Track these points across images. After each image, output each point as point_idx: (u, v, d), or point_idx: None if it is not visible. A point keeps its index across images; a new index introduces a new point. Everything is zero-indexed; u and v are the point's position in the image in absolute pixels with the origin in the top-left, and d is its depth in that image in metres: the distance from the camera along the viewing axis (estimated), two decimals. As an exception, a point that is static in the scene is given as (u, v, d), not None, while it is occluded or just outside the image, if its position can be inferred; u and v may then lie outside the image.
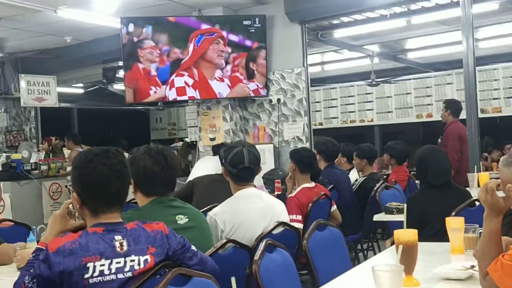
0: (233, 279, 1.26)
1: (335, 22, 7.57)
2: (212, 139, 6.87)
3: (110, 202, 2.03)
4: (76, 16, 6.91)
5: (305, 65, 6.79)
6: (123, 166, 2.05)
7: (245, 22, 6.70)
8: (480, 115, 6.49)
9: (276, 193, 5.14)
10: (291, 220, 3.62)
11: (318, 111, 11.17)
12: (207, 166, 4.92)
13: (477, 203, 3.47)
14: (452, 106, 6.53)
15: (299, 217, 3.86)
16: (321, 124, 11.14)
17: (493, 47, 9.29)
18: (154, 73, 6.63)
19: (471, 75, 6.08)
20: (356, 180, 5.58)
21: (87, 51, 8.54)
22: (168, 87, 6.63)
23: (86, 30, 7.68)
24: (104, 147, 2.09)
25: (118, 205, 2.06)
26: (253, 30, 6.69)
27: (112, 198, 2.04)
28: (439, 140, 6.31)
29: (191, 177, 4.94)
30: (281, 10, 6.65)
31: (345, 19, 7.33)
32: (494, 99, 9.61)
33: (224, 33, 6.62)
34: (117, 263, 1.93)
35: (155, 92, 6.68)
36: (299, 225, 3.79)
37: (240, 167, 2.97)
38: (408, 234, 2.09)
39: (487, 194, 1.92)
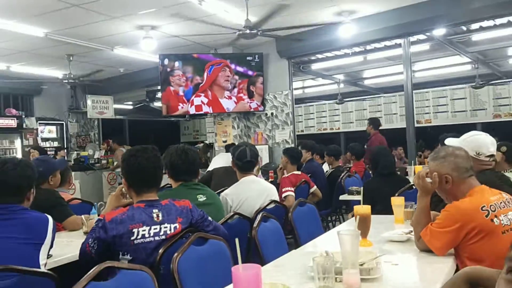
0: (237, 240, 1.24)
1: (312, 58, 7.57)
2: (224, 141, 6.85)
3: (149, 185, 2.02)
4: (127, 53, 6.89)
5: (291, 88, 6.77)
6: (157, 159, 2.05)
7: (248, 58, 6.68)
8: (416, 125, 6.47)
9: (270, 180, 5.13)
10: (287, 191, 3.63)
11: (300, 122, 11.15)
12: (222, 160, 4.89)
13: (413, 187, 3.45)
14: (373, 122, 6.71)
15: (292, 189, 3.84)
16: (302, 131, 11.11)
17: (425, 76, 9.26)
18: (181, 93, 6.63)
19: (409, 96, 6.05)
20: (327, 171, 5.56)
21: (135, 78, 8.52)
22: (189, 105, 6.62)
23: (134, 63, 7.66)
24: (144, 145, 2.09)
25: (155, 187, 2.05)
26: (253, 63, 6.67)
27: (150, 182, 2.02)
28: (365, 146, 6.30)
29: (210, 168, 4.91)
30: (274, 49, 6.64)
31: (319, 56, 7.33)
32: (426, 113, 9.59)
33: (232, 65, 6.62)
34: (154, 229, 1.92)
35: (181, 107, 6.67)
36: (292, 193, 3.77)
37: (244, 160, 2.97)
38: (364, 208, 2.07)
39: (419, 179, 1.92)
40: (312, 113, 11.20)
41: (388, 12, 5.50)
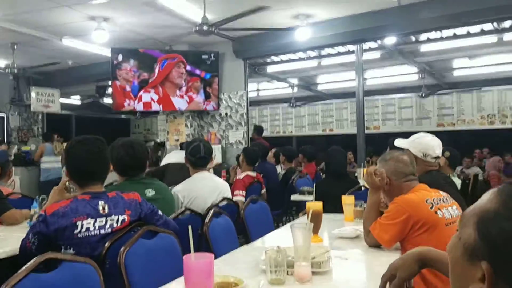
0: (189, 227, 1.21)
1: (268, 60, 7.64)
2: (177, 140, 6.74)
3: (91, 177, 1.93)
4: (77, 45, 6.62)
5: (246, 89, 6.77)
6: (100, 150, 1.94)
7: (203, 56, 6.61)
8: (366, 131, 6.67)
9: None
10: (238, 195, 3.61)
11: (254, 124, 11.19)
12: (176, 156, 4.80)
13: (362, 188, 3.56)
14: (257, 129, 7.25)
15: (243, 193, 3.83)
16: (256, 133, 11.14)
17: (375, 84, 9.58)
18: (128, 89, 6.43)
19: (360, 103, 6.23)
20: (279, 173, 5.61)
21: (85, 72, 8.19)
22: (137, 101, 6.44)
23: (84, 56, 7.36)
24: (87, 135, 1.99)
25: (99, 179, 1.95)
26: (209, 62, 6.61)
27: (92, 175, 1.93)
28: None
29: (163, 163, 4.81)
30: (230, 49, 6.62)
31: (274, 58, 7.40)
32: (375, 120, 9.91)
33: (187, 64, 6.52)
34: (100, 221, 1.84)
35: (128, 104, 6.46)
36: (243, 199, 3.76)
37: (197, 156, 2.92)
38: (316, 204, 2.10)
39: (368, 176, 1.99)
40: (266, 116, 11.27)
41: (342, 18, 5.65)
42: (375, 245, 1.93)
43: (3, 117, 8.90)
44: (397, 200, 1.89)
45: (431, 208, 1.82)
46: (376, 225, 1.90)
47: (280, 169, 5.79)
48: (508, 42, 6.24)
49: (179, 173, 3.56)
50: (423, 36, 6.31)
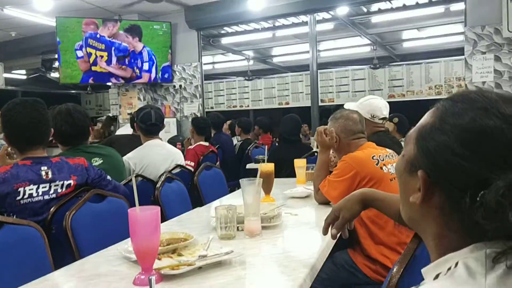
0: (133, 178, 1.18)
1: (222, 32, 7.51)
2: (130, 114, 6.55)
3: (31, 142, 1.83)
4: (19, 14, 6.22)
5: (200, 61, 6.66)
6: (38, 114, 1.84)
7: (155, 26, 6.41)
8: (320, 104, 6.76)
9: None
10: (187, 165, 3.54)
11: (210, 98, 11.04)
12: (126, 131, 4.68)
13: (315, 154, 3.63)
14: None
15: (193, 164, 3.79)
16: (212, 108, 10.98)
17: (329, 56, 9.68)
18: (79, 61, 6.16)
19: (314, 75, 6.30)
20: (235, 144, 5.61)
21: (29, 44, 7.72)
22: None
23: (28, 26, 6.94)
24: (24, 98, 1.88)
25: (40, 144, 1.85)
26: (161, 33, 6.42)
27: (32, 139, 1.83)
28: None
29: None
30: (183, 19, 6.44)
31: (228, 29, 7.28)
32: (329, 93, 10.02)
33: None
34: (43, 187, 1.77)
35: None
36: (192, 169, 3.73)
37: (148, 123, 2.85)
38: (267, 166, 2.11)
39: (318, 135, 2.02)
40: (222, 90, 11.12)
41: (295, -13, 5.62)
42: (324, 202, 1.98)
43: None
44: (345, 158, 1.93)
45: (377, 164, 1.88)
46: (325, 183, 1.95)
47: (236, 141, 5.80)
48: (455, 12, 6.42)
49: (127, 145, 3.49)
50: (374, 7, 6.40)
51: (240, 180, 1.58)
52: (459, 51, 5.43)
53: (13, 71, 9.77)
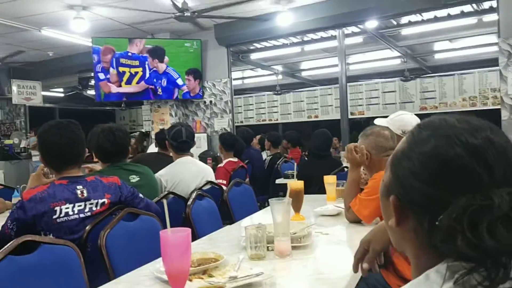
0: (164, 201, 1.20)
1: (251, 47, 7.59)
2: (163, 129, 6.68)
3: (66, 162, 1.89)
4: (57, 35, 6.50)
5: (230, 76, 6.73)
6: (73, 134, 1.90)
7: (186, 44, 6.55)
8: (350, 117, 6.71)
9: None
10: (219, 184, 3.56)
11: (240, 112, 11.13)
12: (152, 149, 4.77)
13: (345, 169, 3.58)
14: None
15: (225, 182, 3.82)
16: (241, 122, 11.10)
17: (358, 69, 9.60)
18: (115, 80, 6.34)
19: (344, 89, 6.25)
20: (265, 159, 5.62)
21: (66, 63, 8.04)
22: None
23: (65, 47, 7.24)
24: (60, 120, 1.96)
25: (75, 163, 1.91)
26: (192, 50, 6.55)
27: (67, 159, 1.89)
28: None
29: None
30: (213, 36, 6.56)
31: (258, 45, 7.36)
32: (359, 105, 9.94)
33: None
34: (79, 206, 1.82)
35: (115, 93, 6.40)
36: (224, 188, 3.75)
37: (179, 140, 2.90)
38: (296, 183, 2.10)
39: (348, 152, 2.00)
40: (251, 104, 11.22)
41: (324, 2, 5.63)
42: (355, 221, 1.95)
43: (-15, 111, 8.77)
44: (376, 176, 1.90)
45: None
46: (356, 201, 1.92)
47: (265, 156, 5.81)
48: (488, 23, 6.27)
49: (153, 163, 3.56)
50: (404, 20, 6.32)
51: (269, 200, 1.58)
52: (494, 61, 5.29)
53: (51, 89, 10.16)
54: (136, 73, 6.36)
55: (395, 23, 6.49)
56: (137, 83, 6.37)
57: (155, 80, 6.40)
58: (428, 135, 0.63)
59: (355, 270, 1.17)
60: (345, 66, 6.21)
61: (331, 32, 6.54)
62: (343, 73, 6.18)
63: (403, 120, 2.49)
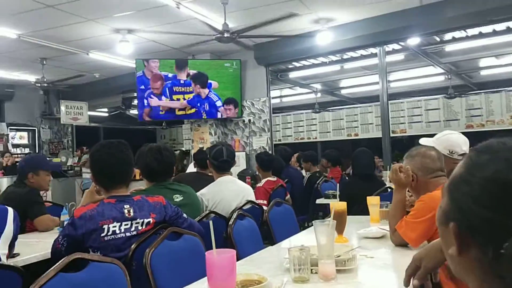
0: (210, 222, 1.22)
1: (290, 66, 7.64)
2: (202, 148, 6.80)
3: (116, 181, 1.97)
4: (103, 57, 6.80)
5: (269, 95, 6.80)
6: (123, 154, 1.97)
7: (226, 64, 6.68)
8: (392, 135, 6.58)
9: (246, 185, 5.10)
10: (259, 204, 3.58)
11: (278, 131, 11.15)
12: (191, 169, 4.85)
13: (389, 190, 3.50)
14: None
15: (265, 202, 3.82)
16: (280, 140, 11.10)
17: (400, 86, 9.44)
18: (157, 100, 6.54)
19: (385, 106, 6.15)
20: (304, 177, 5.58)
21: (111, 84, 8.39)
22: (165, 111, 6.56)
23: (110, 68, 7.56)
24: (110, 140, 2.03)
25: (123, 183, 1.99)
26: (231, 70, 6.67)
27: (116, 178, 1.97)
28: None
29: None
30: (252, 56, 6.66)
31: (297, 64, 7.39)
32: (401, 123, 9.73)
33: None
34: (125, 225, 1.88)
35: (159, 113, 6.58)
36: (265, 208, 3.75)
37: (220, 159, 2.94)
38: (340, 204, 2.07)
39: (393, 173, 1.96)
40: (289, 123, 11.22)
41: (364, 20, 5.61)
42: (401, 244, 1.90)
43: (35, 130, 9.22)
44: (423, 197, 1.85)
45: None
46: (402, 224, 1.87)
47: (303, 173, 5.78)
48: (536, 39, 6.07)
49: (192, 183, 3.63)
50: (447, 36, 6.19)
51: (313, 222, 1.56)
52: (544, 78, 5.07)
53: (96, 110, 10.58)
54: (190, 98, 6.56)
55: (438, 39, 6.37)
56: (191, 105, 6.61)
57: (198, 104, 6.56)
58: (487, 159, 0.62)
59: (406, 284, 1.18)
60: (386, 84, 6.12)
61: (371, 50, 6.49)
62: (384, 90, 6.09)
63: (450, 140, 2.42)
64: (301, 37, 5.87)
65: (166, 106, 6.56)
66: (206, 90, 6.56)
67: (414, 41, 6.20)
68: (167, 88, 6.51)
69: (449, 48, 6.93)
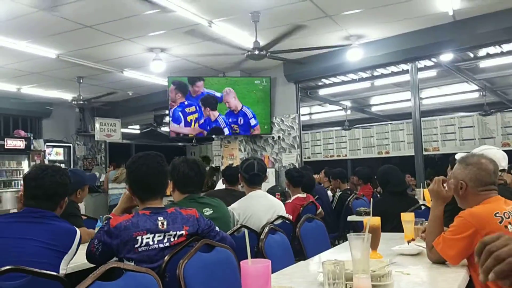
0: (246, 231, 1.22)
1: (319, 83, 7.65)
2: (231, 164, 6.84)
3: (151, 192, 1.99)
4: (136, 76, 6.99)
5: (298, 112, 6.81)
6: (160, 166, 2.00)
7: (256, 82, 6.75)
8: (424, 153, 6.45)
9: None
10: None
11: (307, 148, 11.12)
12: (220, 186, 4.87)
13: (422, 207, 3.42)
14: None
15: (291, 217, 3.78)
16: (309, 157, 11.07)
17: (432, 103, 9.28)
18: (188, 117, 6.67)
19: (418, 124, 6.05)
20: (334, 195, 5.51)
21: (143, 101, 8.62)
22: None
23: (143, 86, 7.76)
24: (147, 152, 2.06)
25: (158, 195, 2.01)
26: (261, 87, 6.74)
27: (152, 190, 1.99)
28: None
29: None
30: (282, 73, 6.71)
31: (326, 81, 7.39)
32: (434, 141, 9.55)
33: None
34: (158, 236, 1.89)
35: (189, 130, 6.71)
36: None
37: (251, 173, 2.95)
38: (374, 219, 2.03)
39: (435, 184, 1.91)
40: (319, 140, 11.20)
41: (395, 37, 5.58)
42: (439, 261, 1.84)
43: (70, 146, 9.51)
44: (463, 213, 1.79)
45: (501, 222, 1.70)
46: (440, 240, 1.81)
47: (329, 192, 5.71)
48: None
49: (222, 199, 3.64)
50: (482, 52, 6.07)
51: (347, 235, 1.54)
52: None
53: (129, 127, 10.84)
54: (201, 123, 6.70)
55: (472, 55, 6.25)
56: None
57: (230, 120, 6.65)
58: None
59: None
60: (418, 101, 6.03)
61: (403, 66, 6.43)
62: (417, 107, 6.00)
63: (489, 155, 2.35)
64: (331, 54, 5.88)
65: (181, 132, 6.69)
66: (216, 113, 6.67)
67: (447, 57, 6.11)
68: (179, 112, 6.65)
69: (483, 64, 6.78)
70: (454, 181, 1.88)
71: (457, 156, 2.48)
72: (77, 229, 1.98)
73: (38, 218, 1.88)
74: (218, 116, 6.68)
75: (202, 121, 6.66)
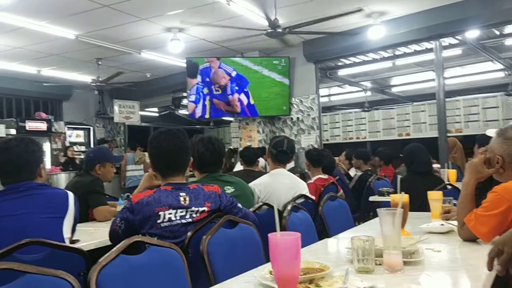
0: (275, 206, 1.17)
1: (339, 63, 7.50)
2: (249, 146, 6.81)
3: (173, 168, 1.96)
4: (154, 57, 6.96)
5: (317, 93, 6.71)
6: (181, 142, 1.97)
7: (274, 62, 6.65)
8: (447, 134, 6.29)
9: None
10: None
11: (326, 130, 10.98)
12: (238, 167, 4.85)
13: (448, 187, 3.33)
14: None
15: (313, 197, 3.74)
16: (327, 140, 10.94)
17: (456, 83, 9.03)
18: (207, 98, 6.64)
19: (442, 105, 5.89)
20: (355, 175, 5.44)
21: (161, 83, 8.60)
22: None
23: (161, 68, 7.74)
24: (169, 127, 2.04)
25: (179, 170, 1.98)
26: (280, 67, 6.64)
27: (173, 165, 1.96)
28: None
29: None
30: (301, 53, 6.59)
31: (346, 61, 7.25)
32: (457, 122, 9.32)
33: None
34: (181, 212, 1.88)
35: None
36: None
37: (279, 149, 2.93)
38: (404, 196, 1.96)
39: (479, 162, 1.85)
40: (337, 122, 11.04)
41: (419, 13, 5.40)
42: (470, 238, 1.77)
43: (90, 128, 9.60)
44: (496, 188, 1.71)
45: None
46: (471, 217, 1.74)
47: (354, 172, 5.63)
48: None
49: (243, 178, 3.61)
50: (508, 29, 5.84)
51: (377, 210, 1.48)
52: None
53: (146, 109, 10.88)
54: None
55: (497, 33, 6.03)
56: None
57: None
58: None
59: (490, 268, 1.15)
60: (442, 81, 5.86)
61: (425, 45, 6.24)
62: (441, 88, 5.82)
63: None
64: (351, 32, 5.74)
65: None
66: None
67: (472, 34, 5.90)
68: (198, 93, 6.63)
69: (509, 42, 6.53)
70: (491, 155, 1.79)
71: (488, 132, 2.38)
72: (67, 191, 1.97)
73: (27, 190, 1.85)
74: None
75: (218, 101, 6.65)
